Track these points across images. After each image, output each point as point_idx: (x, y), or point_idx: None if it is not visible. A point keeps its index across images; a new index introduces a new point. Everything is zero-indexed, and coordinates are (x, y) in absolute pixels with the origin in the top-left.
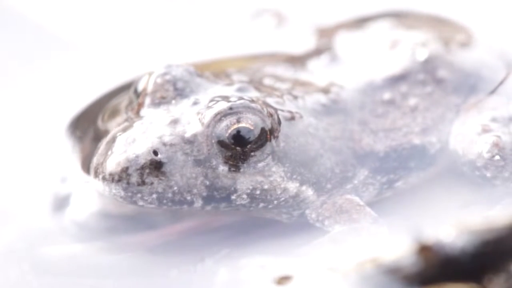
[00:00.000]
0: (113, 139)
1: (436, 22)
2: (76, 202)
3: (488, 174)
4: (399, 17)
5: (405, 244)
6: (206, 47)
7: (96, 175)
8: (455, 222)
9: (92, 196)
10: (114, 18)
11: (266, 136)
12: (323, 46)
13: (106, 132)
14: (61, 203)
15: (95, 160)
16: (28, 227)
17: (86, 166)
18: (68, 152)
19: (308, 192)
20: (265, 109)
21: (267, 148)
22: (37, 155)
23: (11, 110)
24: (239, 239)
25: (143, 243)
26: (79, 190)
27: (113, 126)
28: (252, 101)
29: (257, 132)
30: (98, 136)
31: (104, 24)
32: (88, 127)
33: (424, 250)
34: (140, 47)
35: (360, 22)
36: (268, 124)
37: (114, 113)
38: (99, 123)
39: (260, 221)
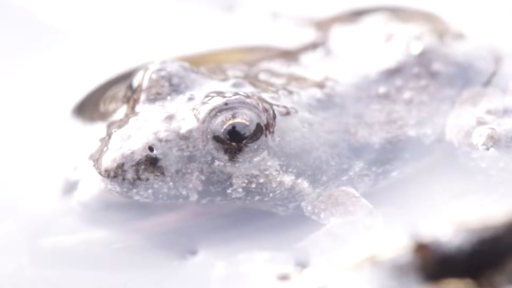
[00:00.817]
0: (109, 136)
1: (430, 16)
2: (81, 189)
3: (483, 165)
4: (393, 11)
5: (402, 242)
6: (200, 40)
7: (93, 170)
8: (452, 220)
9: (96, 183)
10: (110, 7)
11: (261, 131)
12: (318, 40)
13: (105, 122)
14: (66, 190)
15: (91, 156)
16: (28, 218)
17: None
18: (71, 141)
19: (304, 184)
20: (260, 104)
21: (263, 143)
22: (38, 144)
23: (9, 100)
24: (236, 231)
25: (142, 230)
26: (84, 178)
27: (110, 118)
28: (248, 96)
29: (252, 127)
30: (100, 124)
31: (100, 13)
32: (91, 114)
33: (422, 248)
34: (135, 37)
35: (355, 16)
36: (263, 120)
37: (114, 100)
38: (101, 110)
39: (256, 213)
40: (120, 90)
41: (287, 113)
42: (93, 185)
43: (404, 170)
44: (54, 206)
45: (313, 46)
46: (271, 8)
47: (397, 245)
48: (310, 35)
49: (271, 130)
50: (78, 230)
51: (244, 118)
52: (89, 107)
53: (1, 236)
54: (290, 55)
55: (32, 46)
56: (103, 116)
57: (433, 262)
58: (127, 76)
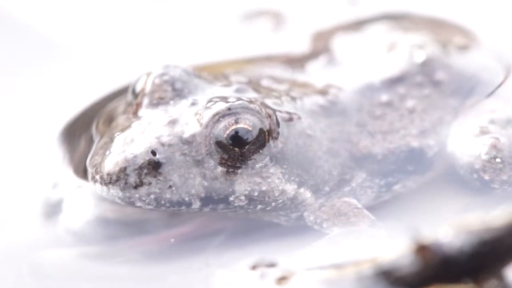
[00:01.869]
0: (111, 139)
1: (433, 25)
2: (70, 208)
3: (486, 177)
4: (396, 19)
5: (403, 244)
6: (202, 51)
7: (94, 175)
8: (452, 222)
9: (85, 201)
10: (110, 22)
11: (264, 137)
12: (321, 49)
13: (101, 136)
14: (54, 210)
15: (93, 161)
16: (24, 233)
17: (79, 170)
18: (60, 157)
19: (306, 194)
20: (263, 110)
21: (265, 149)
22: (30, 161)
23: (3, 115)
24: (237, 242)
25: (140, 247)
26: (72, 196)
27: (110, 133)
28: (251, 102)
29: (255, 133)
30: (92, 142)
31: (99, 28)
32: (82, 133)
33: (422, 250)
34: (135, 52)
35: (358, 25)
36: (266, 125)
37: (109, 119)
38: (93, 129)
39: (258, 223)
40: (118, 106)
41: (290, 119)
42: (88, 200)
43: (407, 184)
44: (48, 223)
45: (317, 54)
46: (275, 17)
47: (397, 247)
48: (313, 43)
49: (274, 136)
50: (76, 244)
51: (247, 124)
52: (87, 123)
53: (1, 247)
54: (293, 63)
55: (32, 60)
56: (103, 131)
57: (434, 263)
58: (125, 91)
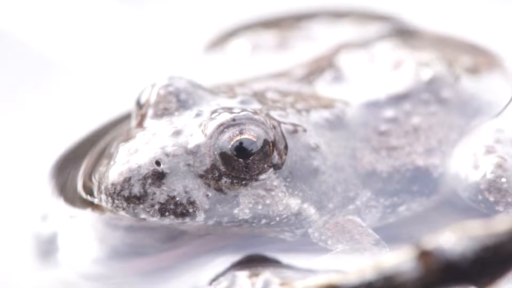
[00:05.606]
0: (116, 150)
1: (440, 43)
2: (65, 239)
3: (491, 198)
4: (404, 37)
5: (405, 250)
6: (207, 70)
7: (99, 186)
8: (454, 228)
9: (79, 229)
10: (112, 42)
11: (268, 148)
12: (328, 65)
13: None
14: (48, 243)
15: (98, 172)
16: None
17: (72, 200)
18: (51, 188)
19: (310, 210)
20: (268, 121)
21: (269, 160)
22: (20, 191)
23: (7, 135)
24: (241, 255)
25: (139, 268)
26: (64, 227)
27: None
28: (255, 113)
29: (259, 144)
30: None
31: (102, 48)
32: (75, 164)
33: (424, 255)
34: (135, 74)
35: (365, 42)
36: (271, 136)
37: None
38: (86, 161)
39: (263, 239)
40: (120, 135)
41: (295, 131)
42: (82, 229)
43: (412, 206)
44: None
45: (323, 70)
46: (280, 35)
47: (400, 252)
48: (320, 60)
49: (278, 147)
50: (78, 264)
51: (251, 134)
52: (82, 153)
53: (2, 267)
54: (300, 78)
55: (31, 81)
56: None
57: (436, 269)
58: (128, 117)
